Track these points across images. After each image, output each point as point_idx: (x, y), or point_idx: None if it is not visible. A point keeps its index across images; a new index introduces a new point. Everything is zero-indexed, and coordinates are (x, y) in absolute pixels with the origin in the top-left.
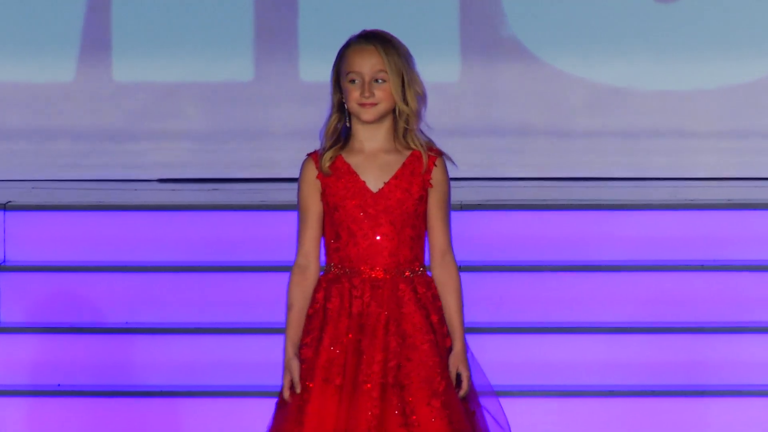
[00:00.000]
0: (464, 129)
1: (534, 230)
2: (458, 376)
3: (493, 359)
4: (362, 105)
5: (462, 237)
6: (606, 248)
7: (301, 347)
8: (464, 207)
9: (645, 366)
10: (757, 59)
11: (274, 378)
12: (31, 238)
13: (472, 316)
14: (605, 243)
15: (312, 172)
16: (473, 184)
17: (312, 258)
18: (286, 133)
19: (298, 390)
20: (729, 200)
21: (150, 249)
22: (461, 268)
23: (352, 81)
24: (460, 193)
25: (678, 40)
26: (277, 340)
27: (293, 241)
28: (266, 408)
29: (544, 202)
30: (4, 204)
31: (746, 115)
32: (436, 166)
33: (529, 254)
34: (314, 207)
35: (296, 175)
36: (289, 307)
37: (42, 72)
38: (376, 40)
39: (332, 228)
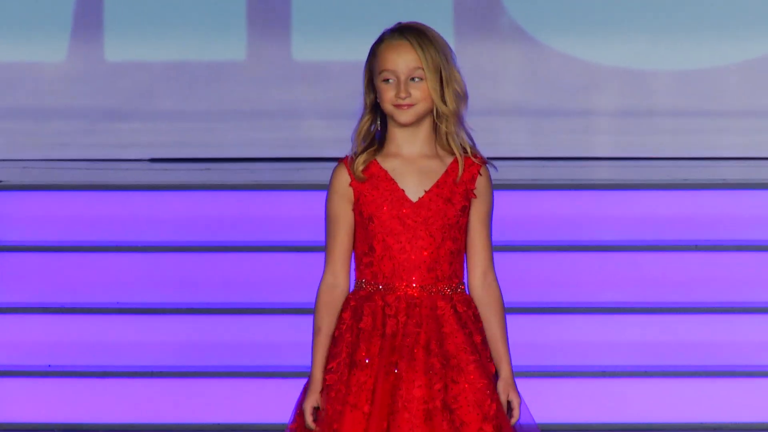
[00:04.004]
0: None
1: (527, 210)
2: (509, 403)
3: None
4: (398, 106)
5: None
6: (607, 228)
7: (325, 372)
8: None
9: (647, 345)
10: (759, 39)
11: (261, 358)
12: (23, 218)
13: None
14: (606, 222)
15: (344, 179)
16: None
17: (342, 276)
18: (278, 113)
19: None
20: (724, 180)
21: (142, 229)
22: None
23: (387, 80)
24: None
25: (681, 19)
26: (268, 320)
27: (286, 221)
28: (253, 386)
29: (538, 182)
30: None
31: (746, 95)
32: (480, 175)
33: (525, 234)
34: (345, 219)
35: (289, 155)
36: (316, 331)
37: (33, 52)
38: (410, 33)
39: (365, 241)
